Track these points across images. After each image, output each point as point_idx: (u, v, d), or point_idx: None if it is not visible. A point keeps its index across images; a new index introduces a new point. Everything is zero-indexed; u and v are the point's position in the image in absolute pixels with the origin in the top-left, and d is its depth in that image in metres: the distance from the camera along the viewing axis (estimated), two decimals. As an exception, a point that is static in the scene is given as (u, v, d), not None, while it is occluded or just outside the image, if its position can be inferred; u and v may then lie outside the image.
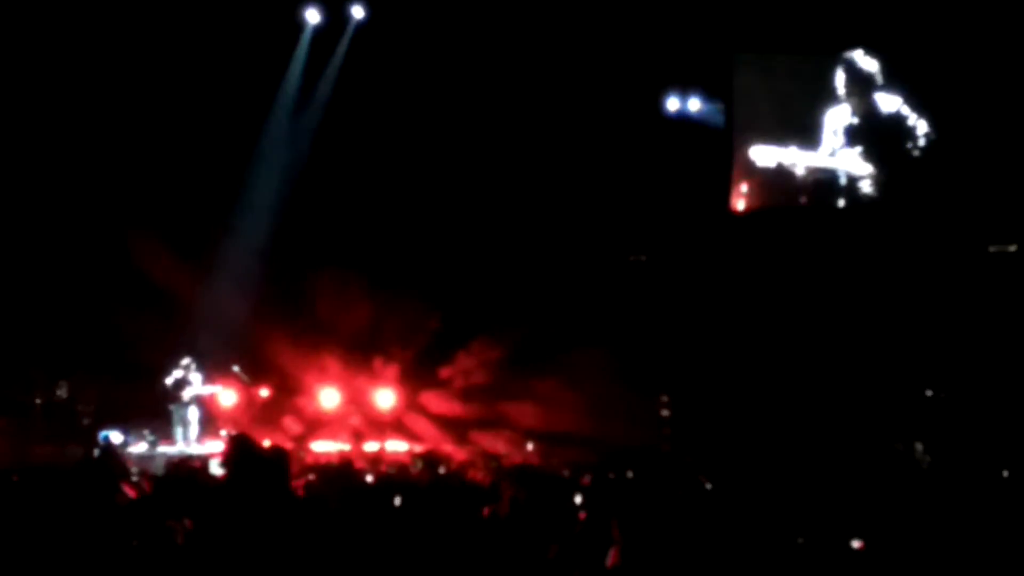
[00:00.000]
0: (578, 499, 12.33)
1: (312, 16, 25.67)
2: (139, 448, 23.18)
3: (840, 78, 25.04)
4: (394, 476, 16.07)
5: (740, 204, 25.59)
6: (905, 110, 24.76)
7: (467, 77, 24.83)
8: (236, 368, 24.77)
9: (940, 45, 24.22)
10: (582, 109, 24.91)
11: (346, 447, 23.75)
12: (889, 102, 24.88)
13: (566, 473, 17.15)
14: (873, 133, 24.94)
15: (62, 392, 24.45)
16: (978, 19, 23.55)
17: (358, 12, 25.64)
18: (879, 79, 24.93)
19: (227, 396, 24.60)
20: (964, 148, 24.36)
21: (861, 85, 24.95)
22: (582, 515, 10.82)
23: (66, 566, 8.40)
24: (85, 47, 23.68)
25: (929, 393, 24.21)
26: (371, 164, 25.19)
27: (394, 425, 24.98)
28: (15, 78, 23.60)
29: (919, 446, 22.49)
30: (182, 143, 24.44)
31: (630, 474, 16.47)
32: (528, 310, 24.61)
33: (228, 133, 24.66)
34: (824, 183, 25.11)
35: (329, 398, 25.15)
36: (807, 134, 25.08)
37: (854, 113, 25.00)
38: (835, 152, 25.02)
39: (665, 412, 25.68)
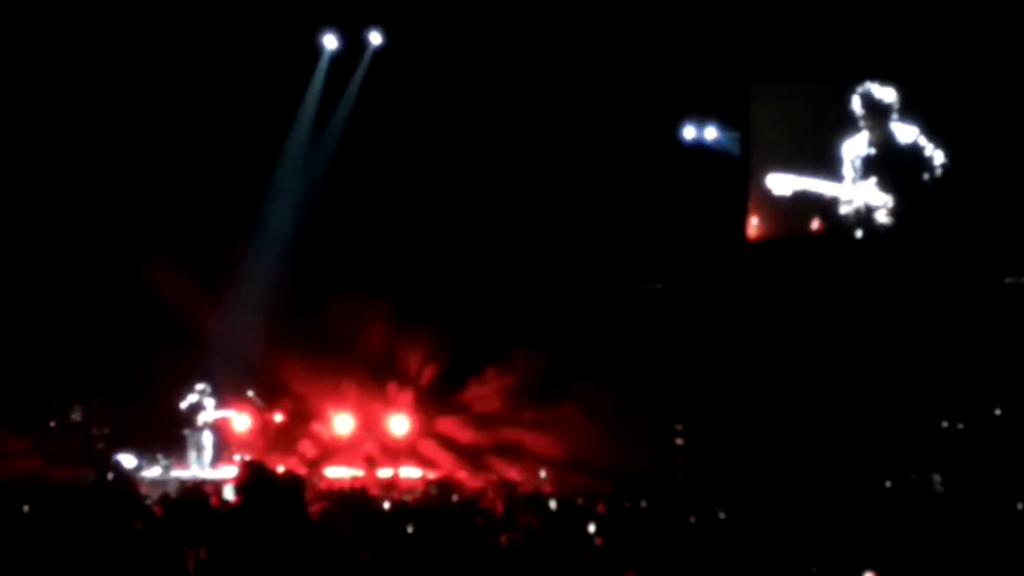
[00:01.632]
0: (591, 528, 12.33)
1: (330, 42, 25.73)
2: (153, 472, 23.16)
3: (857, 107, 25.01)
4: (409, 503, 16.06)
5: (755, 233, 25.56)
6: (922, 140, 24.72)
7: (484, 104, 24.86)
8: (251, 393, 24.75)
9: (957, 76, 24.25)
10: (599, 138, 24.95)
11: (360, 473, 23.72)
12: (906, 132, 24.85)
13: (580, 501, 17.14)
14: (890, 163, 24.91)
15: (76, 415, 24.46)
16: (994, 50, 23.56)
17: (376, 38, 25.68)
18: (896, 108, 24.91)
19: (241, 421, 24.58)
20: (980, 179, 24.33)
21: (878, 114, 24.92)
22: (597, 542, 10.82)
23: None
24: (104, 75, 23.78)
25: (945, 424, 24.13)
26: (388, 190, 25.22)
27: (408, 452, 24.93)
28: (35, 106, 23.70)
29: (935, 477, 22.41)
30: (199, 168, 24.49)
31: (644, 503, 16.46)
32: (543, 337, 24.59)
33: (245, 158, 24.72)
34: (840, 213, 25.06)
35: (343, 424, 25.11)
36: (823, 163, 25.04)
37: (871, 143, 24.97)
38: (852, 182, 24.97)
39: (679, 440, 25.61)
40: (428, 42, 24.75)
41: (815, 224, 25.26)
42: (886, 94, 24.99)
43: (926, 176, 24.73)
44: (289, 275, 25.35)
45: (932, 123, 24.77)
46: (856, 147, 25.05)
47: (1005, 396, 23.50)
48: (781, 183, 25.13)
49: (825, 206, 25.03)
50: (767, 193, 25.29)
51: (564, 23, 24.16)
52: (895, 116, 24.93)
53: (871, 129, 24.98)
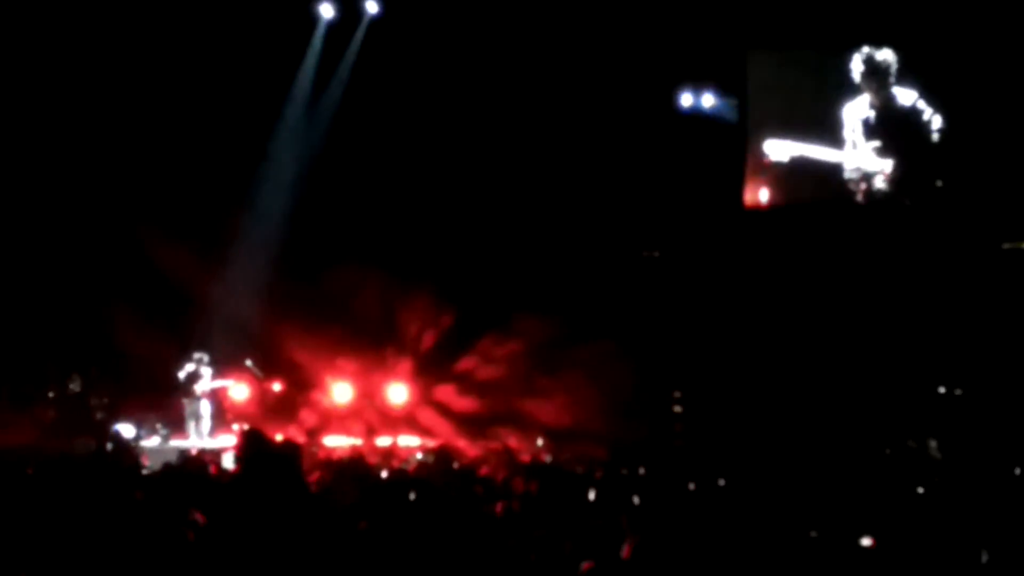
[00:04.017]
0: (591, 495, 12.35)
1: (326, 11, 25.68)
2: (151, 442, 23.22)
3: (857, 70, 24.92)
4: (408, 472, 16.08)
5: (753, 200, 25.52)
6: (921, 104, 24.65)
7: (481, 72, 24.82)
8: (248, 362, 24.81)
9: (954, 40, 24.17)
10: (596, 105, 24.89)
11: (358, 442, 23.74)
12: (906, 96, 24.78)
13: (579, 469, 17.17)
14: (890, 126, 24.83)
15: (75, 386, 24.47)
16: (993, 13, 23.48)
17: (372, 7, 25.61)
18: (895, 71, 24.83)
19: (239, 390, 24.65)
20: (979, 143, 24.29)
21: (879, 77, 24.84)
22: (595, 510, 10.83)
23: (78, 559, 8.41)
24: (97, 42, 23.71)
25: (942, 390, 24.15)
26: (385, 159, 25.20)
27: (407, 420, 24.97)
28: (28, 78, 23.65)
29: (932, 443, 22.45)
30: (195, 138, 24.47)
31: (642, 470, 16.49)
32: (540, 306, 24.58)
33: (241, 128, 24.69)
34: (839, 178, 25.01)
35: (342, 393, 25.15)
36: (822, 129, 24.98)
37: (872, 106, 24.88)
38: (852, 146, 24.91)
39: (677, 408, 25.63)
40: (424, 11, 24.68)
41: (814, 190, 25.24)
42: (886, 56, 24.90)
43: (925, 140, 24.67)
44: (287, 243, 25.33)
45: (931, 86, 24.69)
46: (857, 110, 24.95)
47: (1002, 362, 23.50)
48: (779, 149, 25.07)
49: (824, 172, 24.97)
50: (765, 160, 25.24)
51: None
52: (894, 79, 24.85)
53: (872, 92, 24.87)
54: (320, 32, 25.89)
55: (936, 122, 24.58)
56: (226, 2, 23.83)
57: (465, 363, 25.68)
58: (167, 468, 14.40)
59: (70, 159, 24.26)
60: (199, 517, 9.32)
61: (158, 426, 23.66)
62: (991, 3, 23.50)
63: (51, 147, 24.17)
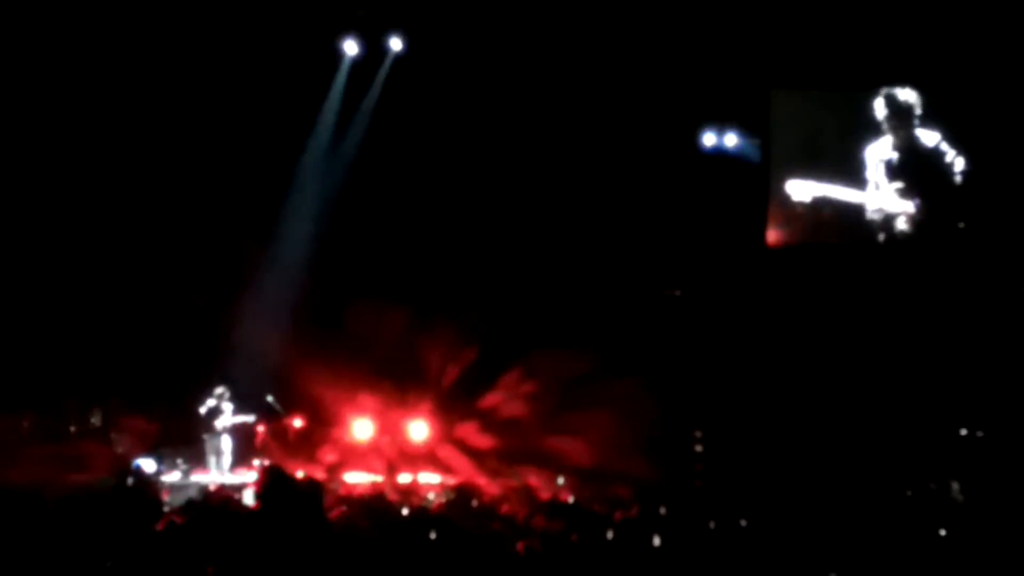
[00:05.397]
0: (610, 534, 12.32)
1: (350, 48, 25.76)
2: (172, 477, 23.23)
3: (880, 110, 24.92)
4: (429, 509, 16.06)
5: (775, 240, 25.52)
6: (944, 146, 24.63)
7: (505, 110, 24.87)
8: (270, 398, 24.82)
9: (978, 81, 24.17)
10: (619, 144, 24.95)
11: (379, 479, 23.73)
12: (929, 137, 24.77)
13: (599, 508, 17.13)
14: (913, 167, 24.82)
15: (96, 420, 24.50)
16: (1017, 55, 23.48)
17: (396, 44, 25.69)
18: (918, 113, 24.82)
19: (260, 426, 24.65)
20: (1002, 186, 24.25)
21: (902, 118, 24.83)
22: (615, 549, 10.81)
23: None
24: (127, 79, 23.84)
25: (964, 432, 24.07)
26: (409, 194, 25.24)
27: (427, 457, 24.93)
28: (51, 106, 23.78)
29: (954, 486, 22.37)
30: (218, 174, 24.54)
31: (663, 510, 16.45)
32: (562, 344, 24.56)
33: (265, 164, 24.77)
34: (861, 219, 25.00)
35: (362, 429, 25.12)
36: (844, 169, 24.98)
37: (895, 147, 24.86)
38: (874, 187, 24.89)
39: (698, 447, 25.58)
40: (449, 48, 24.78)
41: (836, 231, 25.22)
42: (909, 97, 24.90)
43: (948, 181, 24.64)
44: (309, 279, 25.37)
45: (954, 128, 24.68)
46: (879, 151, 24.94)
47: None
48: (801, 189, 25.08)
49: (846, 212, 24.97)
50: (787, 199, 25.24)
51: (584, 30, 24.17)
52: (917, 120, 24.85)
53: (895, 133, 24.88)
54: (344, 69, 25.97)
55: (959, 164, 24.56)
56: (252, 39, 23.89)
57: (486, 401, 25.64)
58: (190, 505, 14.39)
59: (95, 192, 24.33)
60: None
61: (179, 461, 23.67)
62: (1015, 44, 23.46)
63: (75, 179, 24.25)
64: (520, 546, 10.72)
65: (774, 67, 24.94)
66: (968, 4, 23.50)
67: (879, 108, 24.97)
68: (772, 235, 25.51)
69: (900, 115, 24.89)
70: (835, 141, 25.34)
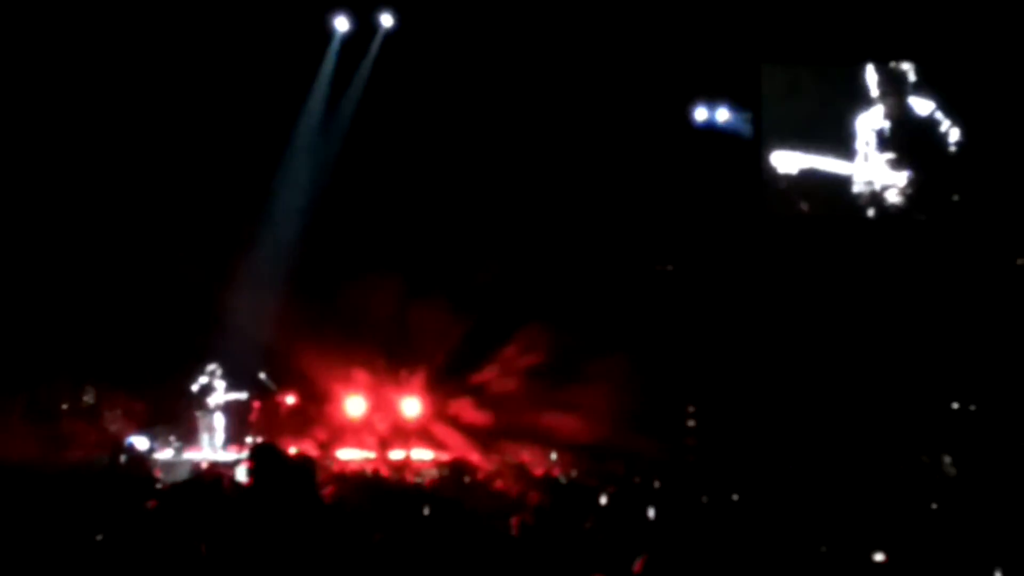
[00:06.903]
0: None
1: (341, 24, 25.73)
2: (165, 454, 23.23)
3: (872, 80, 24.85)
4: (422, 485, 16.08)
5: (767, 214, 25.51)
6: (938, 115, 24.57)
7: (496, 85, 24.85)
8: (262, 375, 24.81)
9: (974, 49, 24.09)
10: (610, 119, 24.93)
11: (372, 455, 23.74)
12: (922, 107, 24.69)
13: (592, 483, 17.17)
14: (905, 139, 24.77)
15: (88, 398, 24.49)
16: (1014, 22, 23.40)
17: (387, 20, 25.66)
18: (912, 82, 24.75)
19: (253, 403, 24.63)
20: (995, 158, 24.22)
21: (894, 87, 24.76)
22: (608, 523, 10.82)
23: (91, 571, 8.42)
24: (117, 57, 23.79)
25: (956, 406, 24.11)
26: (400, 171, 25.22)
27: (420, 433, 24.95)
28: (40, 83, 23.72)
29: (946, 459, 22.41)
30: (210, 150, 24.50)
31: (657, 483, 16.49)
32: (554, 320, 24.59)
33: (256, 140, 24.73)
34: (852, 192, 24.99)
35: (355, 406, 25.12)
36: (836, 142, 24.95)
37: (886, 116, 24.80)
38: (864, 159, 24.85)
39: (691, 422, 25.62)
40: (439, 24, 24.72)
41: (827, 204, 25.21)
42: (902, 66, 24.81)
43: (942, 152, 24.56)
44: (301, 256, 25.36)
45: (948, 99, 24.60)
46: (871, 121, 24.88)
47: (1016, 378, 23.44)
48: (792, 162, 25.07)
49: (837, 185, 24.95)
50: (779, 173, 25.23)
51: (575, 6, 24.14)
52: (911, 90, 24.78)
53: (887, 102, 24.81)
54: (335, 46, 25.94)
55: (954, 134, 24.47)
56: (243, 16, 23.84)
57: (479, 377, 25.67)
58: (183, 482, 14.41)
59: (86, 171, 24.29)
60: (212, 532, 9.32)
61: (171, 438, 23.66)
62: (1011, 13, 23.39)
63: (66, 159, 24.20)
64: (514, 521, 10.73)
65: (765, 41, 24.90)
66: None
67: (871, 77, 24.90)
68: (763, 209, 25.50)
69: (893, 82, 24.80)
70: (828, 114, 25.30)
